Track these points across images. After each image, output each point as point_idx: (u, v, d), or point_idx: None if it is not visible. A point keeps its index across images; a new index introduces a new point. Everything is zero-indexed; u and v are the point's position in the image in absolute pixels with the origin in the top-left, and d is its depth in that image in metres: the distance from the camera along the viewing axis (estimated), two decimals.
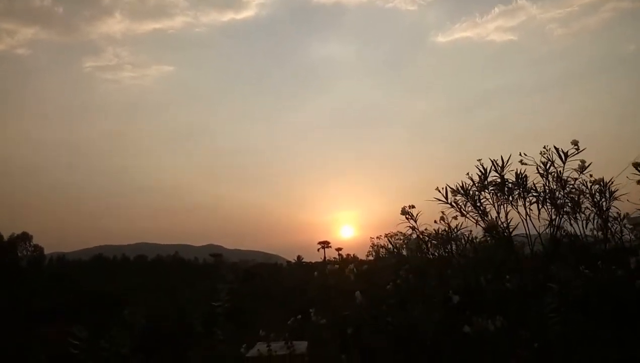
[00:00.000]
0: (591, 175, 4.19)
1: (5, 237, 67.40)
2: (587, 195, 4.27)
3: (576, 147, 4.06)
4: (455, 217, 4.69)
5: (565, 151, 4.09)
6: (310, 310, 5.61)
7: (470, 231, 4.78)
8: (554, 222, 4.28)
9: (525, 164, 4.29)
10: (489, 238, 4.68)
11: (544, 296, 3.71)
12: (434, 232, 5.02)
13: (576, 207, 4.28)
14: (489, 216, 4.52)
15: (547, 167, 4.19)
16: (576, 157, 4.09)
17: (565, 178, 4.17)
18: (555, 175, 4.19)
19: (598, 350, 3.37)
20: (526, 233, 4.38)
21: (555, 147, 4.11)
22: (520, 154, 4.28)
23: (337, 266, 6.24)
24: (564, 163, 4.12)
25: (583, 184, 4.24)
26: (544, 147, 4.16)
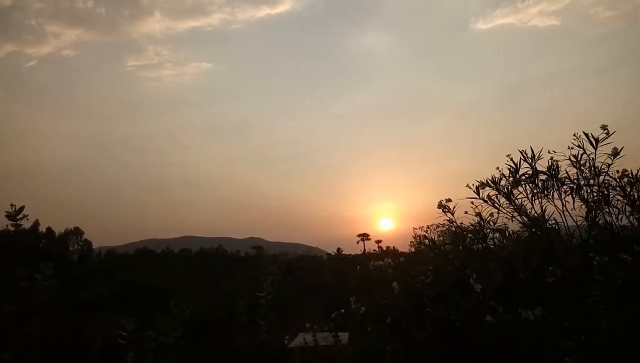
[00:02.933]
0: (618, 171, 4.05)
1: (59, 232, 70.39)
2: (617, 188, 4.13)
3: (606, 131, 3.94)
4: (491, 214, 4.63)
5: (596, 137, 3.97)
6: (351, 298, 5.67)
7: (507, 226, 4.70)
8: (590, 214, 4.18)
9: (557, 161, 4.20)
10: (526, 232, 4.59)
11: (585, 288, 3.64)
12: (471, 225, 4.97)
13: (606, 200, 4.15)
14: (524, 209, 4.45)
15: (579, 157, 4.08)
16: (607, 141, 3.98)
17: (599, 166, 4.04)
18: (588, 164, 4.08)
19: None
20: (565, 225, 4.29)
21: (584, 132, 3.99)
22: (549, 152, 4.21)
23: (381, 262, 6.24)
24: (595, 149, 3.99)
25: (613, 178, 4.10)
26: (574, 135, 4.06)
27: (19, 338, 4.21)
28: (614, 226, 4.20)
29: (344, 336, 5.47)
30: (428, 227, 7.62)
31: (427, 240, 6.68)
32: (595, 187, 4.13)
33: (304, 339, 5.56)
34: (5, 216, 3.81)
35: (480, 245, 4.96)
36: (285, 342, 5.87)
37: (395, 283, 5.15)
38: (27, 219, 3.91)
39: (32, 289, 4.03)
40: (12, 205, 3.83)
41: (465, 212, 4.85)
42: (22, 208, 3.86)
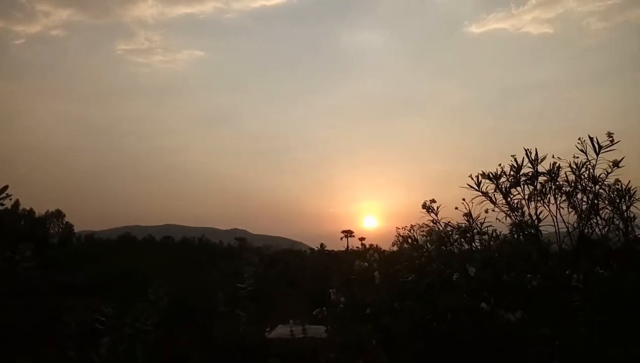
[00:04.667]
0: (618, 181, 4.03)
1: (39, 213, 69.53)
2: (605, 199, 4.11)
3: (611, 138, 3.91)
4: (486, 211, 4.60)
5: (600, 143, 3.94)
6: (331, 290, 5.65)
7: (494, 228, 4.69)
8: (580, 223, 4.17)
9: (559, 165, 4.18)
10: (515, 234, 4.58)
11: (568, 295, 3.66)
12: (457, 225, 4.95)
13: (595, 209, 4.13)
14: (518, 209, 4.44)
15: (580, 163, 4.05)
16: (610, 149, 3.94)
17: (598, 175, 4.01)
18: (587, 172, 4.04)
19: (623, 351, 3.30)
20: (555, 230, 4.27)
21: (590, 136, 3.96)
22: (553, 157, 4.18)
23: (366, 264, 6.18)
24: (597, 155, 3.96)
25: (602, 189, 4.07)
26: (579, 139, 4.02)
27: None
28: (598, 236, 4.20)
29: (320, 329, 5.47)
30: (412, 227, 7.61)
31: (409, 239, 6.68)
32: (589, 195, 4.10)
33: (282, 331, 5.57)
34: None
35: (466, 246, 4.94)
36: (266, 333, 5.86)
37: (376, 273, 5.12)
38: (10, 199, 3.84)
39: (12, 270, 3.98)
40: None
41: (456, 208, 4.83)
42: (5, 187, 3.79)
